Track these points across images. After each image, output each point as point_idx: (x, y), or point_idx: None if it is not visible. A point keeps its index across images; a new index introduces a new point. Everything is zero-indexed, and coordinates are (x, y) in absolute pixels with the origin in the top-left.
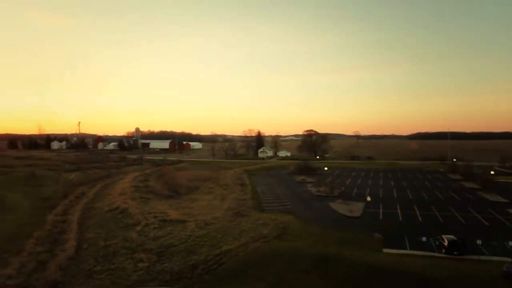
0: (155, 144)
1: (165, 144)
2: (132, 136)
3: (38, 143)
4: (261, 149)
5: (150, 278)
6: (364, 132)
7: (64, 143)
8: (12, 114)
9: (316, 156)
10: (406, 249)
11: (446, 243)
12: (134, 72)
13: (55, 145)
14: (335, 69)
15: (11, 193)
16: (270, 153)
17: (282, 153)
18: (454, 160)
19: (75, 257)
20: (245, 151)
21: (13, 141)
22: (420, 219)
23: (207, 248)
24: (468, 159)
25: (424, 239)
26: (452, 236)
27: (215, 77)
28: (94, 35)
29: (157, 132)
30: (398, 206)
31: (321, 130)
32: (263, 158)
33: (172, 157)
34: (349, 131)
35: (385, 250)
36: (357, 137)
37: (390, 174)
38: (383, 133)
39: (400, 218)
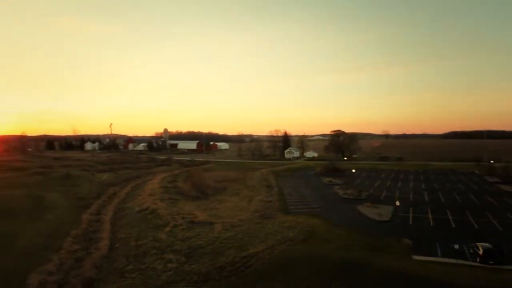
0: (182, 145)
1: (193, 145)
2: (161, 137)
3: (73, 144)
4: (287, 150)
5: (179, 279)
6: (394, 131)
7: (96, 144)
8: (49, 115)
9: (343, 157)
10: (437, 256)
11: (480, 252)
12: (162, 73)
13: (88, 146)
14: (364, 67)
15: (50, 193)
16: (296, 153)
17: (309, 154)
18: (491, 161)
19: (108, 256)
20: (271, 152)
21: (50, 142)
22: (453, 225)
23: (234, 250)
24: (507, 160)
25: (457, 246)
26: (487, 244)
27: (242, 77)
28: (122, 40)
29: (185, 132)
30: (429, 210)
31: (349, 129)
32: (289, 159)
33: (199, 158)
34: (378, 130)
35: (415, 257)
36: (387, 136)
37: (421, 176)
38: (414, 132)
39: (431, 223)
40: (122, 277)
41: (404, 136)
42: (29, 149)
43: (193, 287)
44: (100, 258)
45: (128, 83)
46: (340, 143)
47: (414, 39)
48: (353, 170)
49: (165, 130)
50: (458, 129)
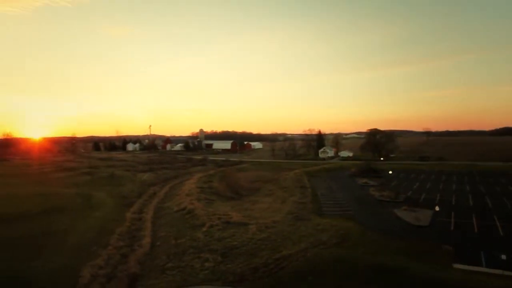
0: (217, 145)
1: (227, 145)
2: (197, 137)
3: (116, 145)
4: (321, 149)
5: (215, 278)
6: (436, 128)
7: (137, 145)
8: (95, 118)
9: (380, 157)
10: (481, 266)
11: None
12: (197, 75)
13: (130, 147)
14: (399, 62)
15: (97, 192)
16: (331, 153)
17: (343, 153)
18: None
19: (150, 253)
20: (305, 151)
21: (96, 143)
22: (501, 232)
23: (267, 251)
24: None
25: (504, 256)
26: None
27: (276, 76)
28: (158, 44)
29: (220, 132)
30: (473, 216)
31: (387, 127)
32: (323, 159)
33: (233, 158)
34: (418, 127)
35: (456, 266)
36: (427, 133)
37: (465, 178)
38: (458, 128)
39: (476, 230)
40: (163, 274)
41: (447, 133)
42: (82, 150)
43: (228, 286)
44: (143, 255)
45: (166, 85)
46: (377, 142)
47: (457, 29)
48: (390, 172)
49: (201, 130)
50: (510, 125)
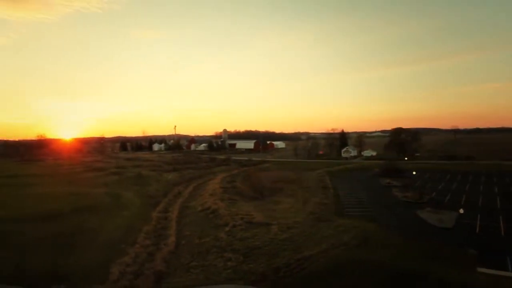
0: (241, 145)
1: (250, 145)
2: (220, 137)
3: (142, 145)
4: (344, 149)
5: (238, 277)
6: (465, 125)
7: (162, 145)
8: (121, 118)
9: (404, 157)
10: (507, 270)
11: None
12: (221, 75)
13: (155, 147)
14: (427, 57)
15: (125, 191)
16: (354, 152)
17: (366, 153)
18: None
19: (175, 252)
20: (328, 151)
21: (124, 143)
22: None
23: (289, 252)
24: None
25: None
26: None
27: (298, 74)
28: (185, 46)
29: (242, 131)
30: (501, 218)
31: (413, 124)
32: (346, 158)
33: (256, 157)
34: (446, 125)
35: (480, 270)
36: (455, 131)
37: (494, 179)
38: (488, 125)
39: (502, 233)
40: (188, 272)
41: (477, 131)
42: (111, 150)
43: (250, 286)
44: (168, 253)
45: (191, 85)
46: (401, 141)
47: (488, 22)
48: (414, 172)
49: (224, 130)
50: None
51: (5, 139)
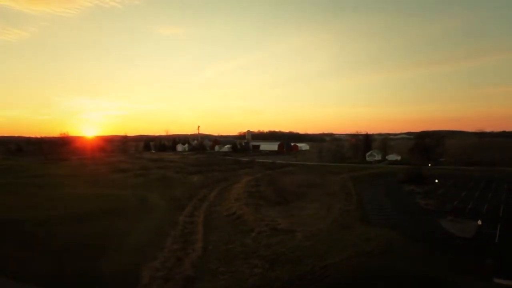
0: (264, 146)
1: (274, 146)
2: (244, 137)
3: (166, 145)
4: (369, 153)
5: (264, 284)
6: (491, 127)
7: (186, 145)
8: (144, 116)
9: (428, 162)
10: None
11: None
12: (243, 73)
13: (179, 147)
14: (454, 58)
15: (150, 193)
16: (378, 156)
17: (391, 157)
18: None
19: (203, 257)
20: (352, 154)
21: (147, 143)
22: None
23: (313, 259)
24: None
25: None
26: None
27: (323, 74)
28: (210, 44)
29: (266, 132)
30: None
31: (439, 126)
32: (371, 162)
33: (280, 160)
34: (471, 127)
35: (497, 280)
36: (480, 134)
37: None
38: None
39: None
40: (215, 277)
41: (503, 134)
42: (134, 150)
43: None
44: (196, 258)
45: (215, 84)
46: (426, 146)
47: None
48: (436, 180)
49: (248, 131)
50: None
51: (27, 135)
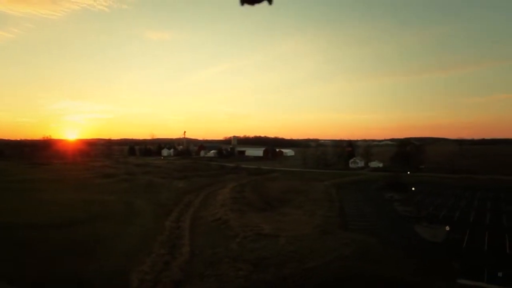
0: (250, 152)
1: (259, 152)
2: (229, 142)
3: (151, 150)
4: (352, 160)
5: (248, 285)
6: (471, 135)
7: (171, 150)
8: (128, 119)
9: (409, 169)
10: (483, 281)
11: None
12: (230, 78)
13: (164, 152)
14: (434, 67)
15: (136, 199)
16: (361, 163)
17: (373, 164)
18: None
19: (190, 261)
20: (336, 160)
21: (132, 148)
22: (508, 251)
23: (295, 263)
24: None
25: (500, 274)
26: None
27: (307, 80)
28: (197, 49)
29: (252, 137)
30: (486, 234)
31: (421, 133)
32: (353, 169)
33: (265, 166)
34: (454, 135)
35: (460, 281)
36: (460, 142)
37: (490, 194)
38: (500, 136)
39: (485, 247)
40: (202, 280)
41: (483, 142)
42: (119, 154)
43: None
44: (183, 262)
45: (201, 88)
46: (407, 154)
47: (498, 34)
48: (413, 188)
49: (234, 137)
50: None
51: (6, 138)
